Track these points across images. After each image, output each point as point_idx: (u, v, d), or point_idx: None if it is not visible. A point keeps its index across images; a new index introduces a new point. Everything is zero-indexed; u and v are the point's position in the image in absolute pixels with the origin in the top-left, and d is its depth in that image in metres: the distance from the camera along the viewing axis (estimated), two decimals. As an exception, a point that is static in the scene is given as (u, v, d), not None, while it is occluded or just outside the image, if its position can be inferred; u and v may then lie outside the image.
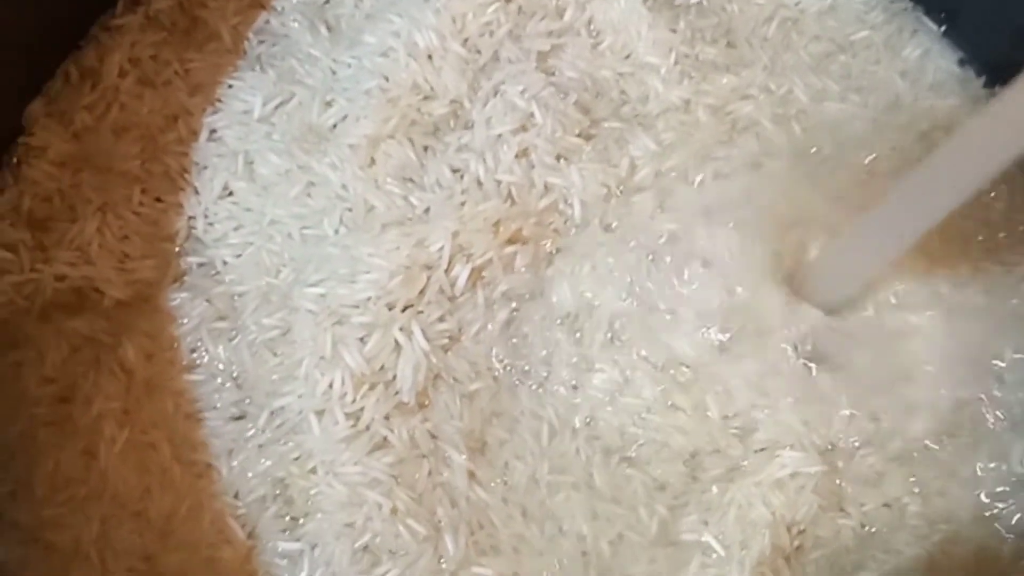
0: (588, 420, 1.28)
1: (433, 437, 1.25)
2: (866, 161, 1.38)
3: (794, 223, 1.32)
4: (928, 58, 1.47)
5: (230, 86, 1.40)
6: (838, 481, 1.25)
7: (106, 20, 1.42)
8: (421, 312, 1.28)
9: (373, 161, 1.34)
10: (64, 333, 1.29)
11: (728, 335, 1.29)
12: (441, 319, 1.29)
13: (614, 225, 1.35)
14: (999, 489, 1.26)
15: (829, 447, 1.25)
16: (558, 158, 1.36)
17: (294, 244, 1.33)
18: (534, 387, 1.30)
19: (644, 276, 1.31)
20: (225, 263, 1.33)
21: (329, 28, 1.44)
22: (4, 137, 1.35)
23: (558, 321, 1.31)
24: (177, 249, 1.34)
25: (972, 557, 1.23)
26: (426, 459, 1.24)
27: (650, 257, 1.32)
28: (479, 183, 1.34)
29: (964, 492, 1.26)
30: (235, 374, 1.29)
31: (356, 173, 1.32)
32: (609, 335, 1.30)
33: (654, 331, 1.29)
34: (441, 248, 1.29)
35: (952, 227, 1.32)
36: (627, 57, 1.43)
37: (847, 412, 1.26)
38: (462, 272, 1.30)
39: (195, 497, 1.24)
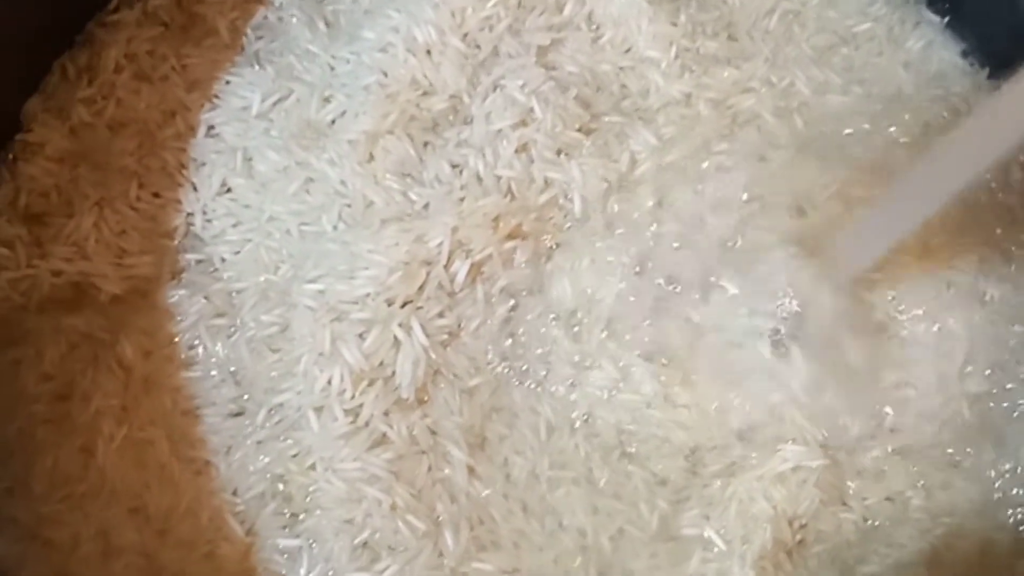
0: (586, 418, 1.27)
1: (432, 433, 1.25)
2: (868, 154, 1.36)
3: (797, 216, 1.31)
4: (931, 50, 1.47)
5: (228, 82, 1.39)
6: (840, 475, 1.24)
7: (103, 16, 1.42)
8: (420, 308, 1.28)
9: (372, 157, 1.33)
10: (62, 330, 1.28)
11: (730, 328, 1.28)
12: (440, 315, 1.28)
13: (615, 220, 1.34)
14: (1003, 482, 1.26)
15: (831, 441, 1.25)
16: (558, 153, 1.35)
17: (293, 240, 1.32)
18: (532, 386, 1.29)
19: (644, 271, 1.31)
20: (223, 260, 1.33)
21: (327, 24, 1.44)
22: (1, 133, 1.35)
23: (557, 317, 1.31)
24: (175, 245, 1.34)
25: (976, 551, 1.23)
26: (426, 455, 1.24)
27: (650, 252, 1.31)
28: (479, 178, 1.33)
29: (967, 485, 1.26)
30: (233, 371, 1.29)
31: (355, 169, 1.32)
32: (608, 331, 1.29)
33: (654, 326, 1.29)
34: (440, 244, 1.28)
35: (965, 217, 1.32)
36: (627, 51, 1.43)
37: (849, 406, 1.25)
38: (461, 268, 1.29)
39: (193, 494, 1.24)
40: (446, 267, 1.29)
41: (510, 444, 1.26)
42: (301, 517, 1.22)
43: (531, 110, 1.35)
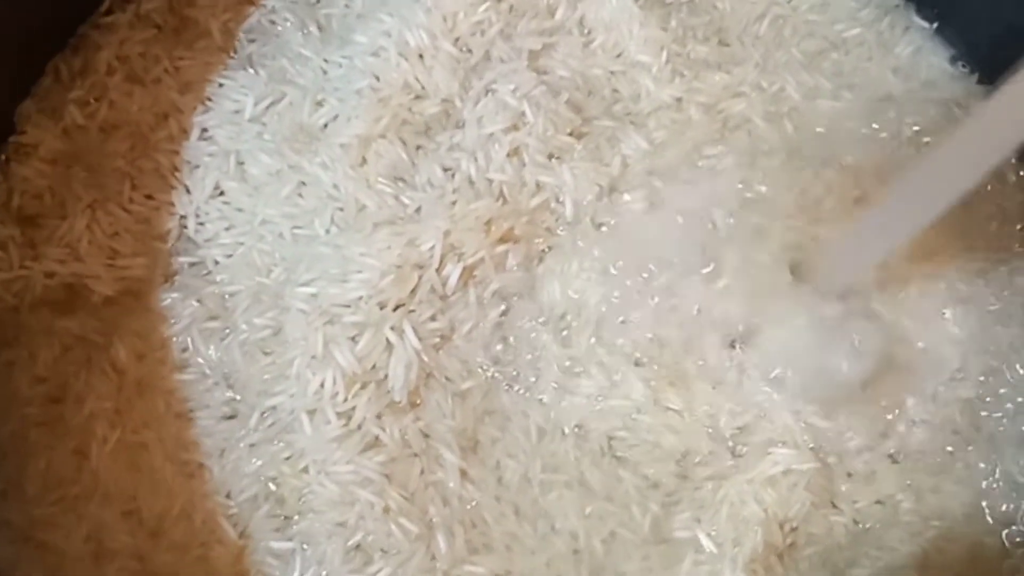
0: (577, 427, 1.27)
1: (425, 436, 1.25)
2: (859, 158, 1.37)
3: (788, 220, 1.32)
4: (920, 55, 1.47)
5: (221, 85, 1.39)
6: (830, 478, 1.25)
7: (96, 18, 1.42)
8: (413, 311, 1.28)
9: (364, 160, 1.34)
10: (56, 333, 1.28)
11: (721, 332, 1.29)
12: (433, 318, 1.28)
13: (606, 224, 1.34)
14: (992, 486, 1.26)
15: (821, 444, 1.25)
16: (550, 157, 1.36)
17: (285, 244, 1.32)
18: (522, 392, 1.29)
19: (635, 275, 1.31)
20: (216, 263, 1.33)
21: (320, 28, 1.44)
22: (-6, 135, 1.35)
23: (547, 322, 1.31)
24: (168, 248, 1.34)
25: (966, 554, 1.23)
26: (418, 458, 1.24)
27: (641, 256, 1.32)
28: (471, 182, 1.33)
29: (958, 489, 1.27)
30: (226, 374, 1.29)
31: (347, 173, 1.32)
32: (597, 336, 1.30)
33: (644, 330, 1.29)
34: (432, 247, 1.29)
35: (959, 219, 1.31)
36: (619, 56, 1.43)
37: (839, 409, 1.26)
38: (454, 271, 1.29)
39: (187, 496, 1.24)
40: (438, 271, 1.29)
41: (502, 447, 1.26)
42: (294, 520, 1.22)
43: (523, 114, 1.36)
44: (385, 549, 1.20)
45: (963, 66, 1.46)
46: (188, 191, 1.35)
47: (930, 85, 1.46)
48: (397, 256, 1.27)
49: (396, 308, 1.27)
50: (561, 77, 1.41)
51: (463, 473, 1.25)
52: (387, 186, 1.33)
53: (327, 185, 1.32)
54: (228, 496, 1.24)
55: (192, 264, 1.33)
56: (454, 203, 1.32)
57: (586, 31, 1.44)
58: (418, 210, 1.32)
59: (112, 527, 1.22)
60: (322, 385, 1.23)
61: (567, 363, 1.29)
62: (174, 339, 1.30)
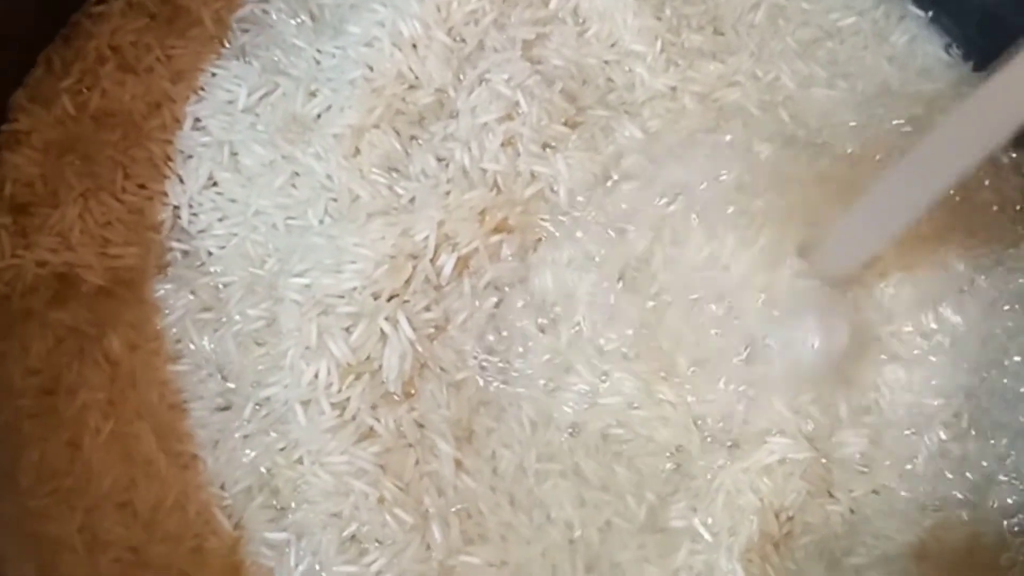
0: (571, 429, 1.27)
1: (420, 426, 1.25)
2: (854, 147, 1.37)
3: (783, 208, 1.31)
4: (915, 44, 1.48)
5: (213, 75, 1.38)
6: (827, 467, 1.25)
7: (88, 7, 1.41)
8: (407, 301, 1.27)
9: (358, 151, 1.33)
10: (48, 324, 1.28)
11: (714, 323, 1.28)
12: (427, 308, 1.28)
13: (601, 213, 1.34)
14: (990, 475, 1.26)
15: (818, 433, 1.25)
16: (544, 146, 1.35)
17: (279, 234, 1.32)
18: (517, 382, 1.29)
19: (627, 265, 1.31)
20: (210, 254, 1.32)
21: (313, 18, 1.43)
22: (-14, 123, 1.35)
23: (539, 316, 1.30)
24: (161, 238, 1.33)
25: (963, 543, 1.23)
26: (413, 448, 1.24)
27: (636, 245, 1.31)
28: (464, 172, 1.33)
29: (955, 477, 1.26)
30: (220, 364, 1.28)
31: (341, 163, 1.31)
32: (588, 327, 1.29)
33: (638, 321, 1.29)
34: (427, 237, 1.28)
35: (954, 207, 1.32)
36: (613, 45, 1.43)
37: (836, 398, 1.26)
38: (448, 261, 1.29)
39: (181, 488, 1.23)
40: (432, 261, 1.29)
41: (497, 437, 1.26)
42: (289, 510, 1.22)
43: (517, 104, 1.35)
44: (380, 540, 1.19)
45: (958, 55, 1.46)
46: (181, 181, 1.34)
47: (925, 73, 1.46)
48: (391, 246, 1.27)
49: (390, 298, 1.27)
50: (555, 66, 1.40)
51: (458, 463, 1.24)
52: (381, 176, 1.32)
53: (321, 175, 1.32)
54: (222, 487, 1.23)
55: (185, 255, 1.33)
56: (448, 193, 1.31)
57: (580, 20, 1.44)
58: (412, 200, 1.32)
59: (106, 518, 1.22)
60: (316, 376, 1.22)
61: (559, 360, 1.28)
62: (168, 330, 1.29)
